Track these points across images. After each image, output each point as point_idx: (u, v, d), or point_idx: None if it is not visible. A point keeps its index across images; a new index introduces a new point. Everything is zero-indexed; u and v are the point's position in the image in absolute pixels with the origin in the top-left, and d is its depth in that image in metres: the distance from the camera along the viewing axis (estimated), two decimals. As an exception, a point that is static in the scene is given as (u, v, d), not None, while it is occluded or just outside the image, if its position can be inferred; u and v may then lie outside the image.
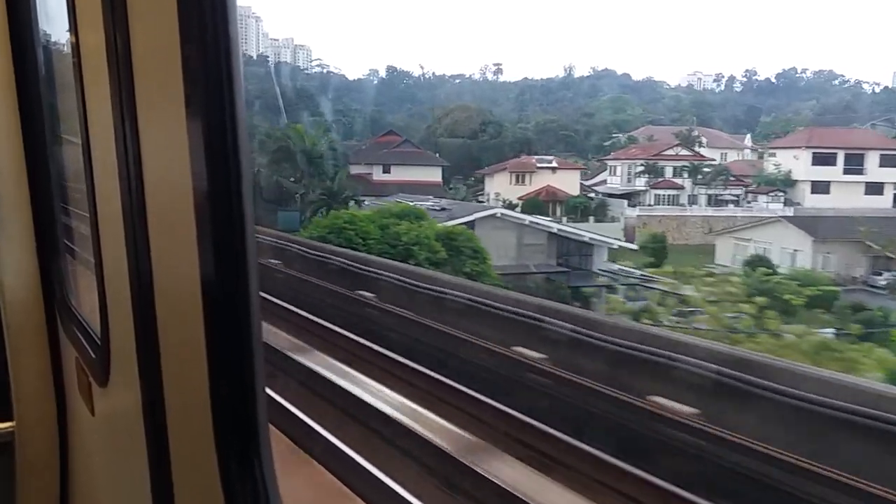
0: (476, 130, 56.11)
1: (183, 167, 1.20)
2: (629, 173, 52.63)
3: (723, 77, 72.26)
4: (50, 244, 2.85)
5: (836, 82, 69.82)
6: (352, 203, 37.17)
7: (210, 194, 1.19)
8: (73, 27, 1.88)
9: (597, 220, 44.73)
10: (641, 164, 52.09)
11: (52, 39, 2.67)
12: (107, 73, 1.50)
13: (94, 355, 2.13)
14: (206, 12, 1.16)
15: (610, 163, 54.86)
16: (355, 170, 46.08)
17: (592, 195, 50.12)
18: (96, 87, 1.65)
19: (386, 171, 49.15)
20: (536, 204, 45.17)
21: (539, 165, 49.69)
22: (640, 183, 51.60)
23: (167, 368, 1.45)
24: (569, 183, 48.94)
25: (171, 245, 1.39)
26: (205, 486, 1.31)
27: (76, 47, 1.86)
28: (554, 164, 50.24)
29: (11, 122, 2.77)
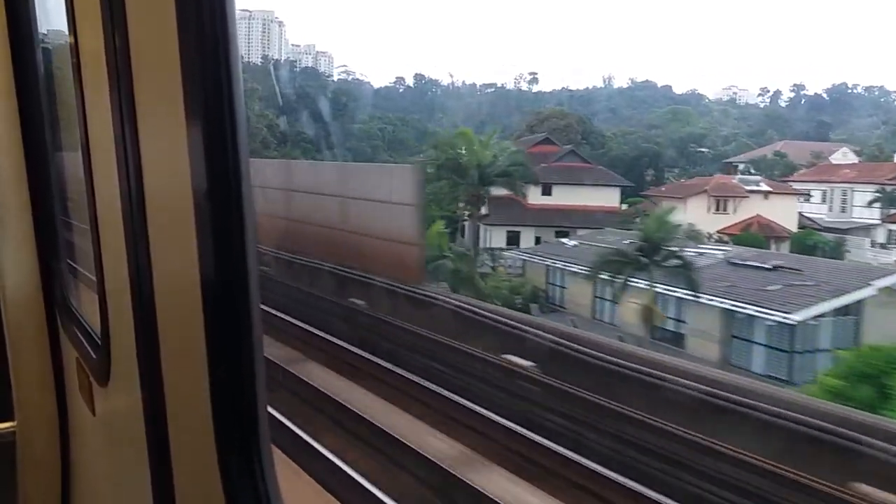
0: (577, 141, 47.02)
1: (183, 168, 1.21)
2: (843, 200, 40.68)
3: (767, 91, 69.77)
4: (50, 245, 2.86)
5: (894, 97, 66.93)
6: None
7: (210, 195, 1.19)
8: (73, 30, 1.88)
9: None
10: (869, 189, 39.27)
11: (52, 43, 2.70)
12: (106, 76, 1.51)
13: (94, 355, 2.14)
14: (204, 14, 1.16)
15: (797, 185, 41.78)
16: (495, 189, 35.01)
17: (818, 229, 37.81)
18: (95, 90, 1.66)
19: (546, 192, 38.19)
20: (754, 240, 32.97)
21: (747, 188, 38.30)
22: (862, 212, 39.02)
23: (167, 368, 1.46)
24: (783, 212, 37.11)
25: (171, 245, 1.40)
26: (205, 484, 1.32)
27: (75, 50, 1.87)
28: (765, 187, 38.73)
29: (12, 124, 2.78)
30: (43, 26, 2.68)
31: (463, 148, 33.78)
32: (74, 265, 2.76)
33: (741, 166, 46.71)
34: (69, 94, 2.05)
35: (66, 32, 1.95)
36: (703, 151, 50.60)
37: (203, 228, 1.22)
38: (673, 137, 52.16)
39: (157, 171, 1.39)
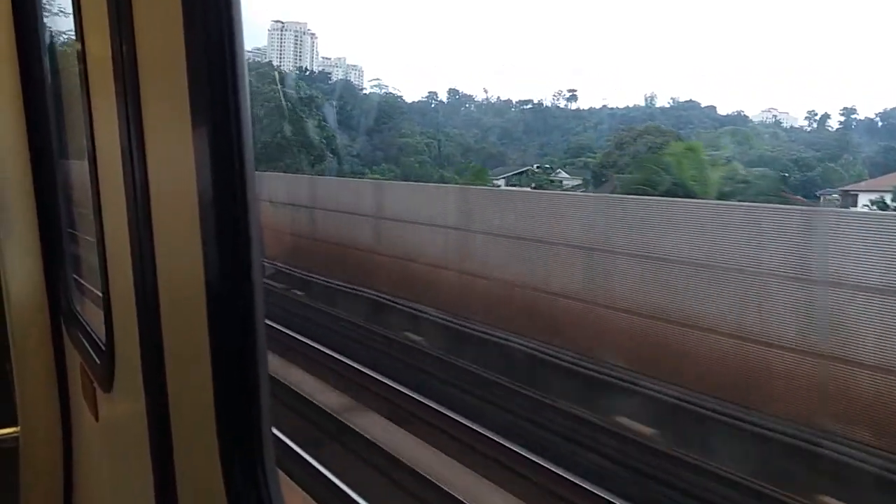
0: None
1: (188, 176, 1.21)
2: None
3: (815, 115, 66.85)
4: (55, 251, 2.87)
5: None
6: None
7: (215, 203, 1.19)
8: (80, 36, 1.89)
9: None
10: None
11: (59, 48, 2.72)
12: (113, 83, 1.51)
13: (98, 361, 2.14)
14: (211, 21, 1.16)
15: None
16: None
17: None
18: (102, 96, 1.67)
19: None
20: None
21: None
22: None
23: (171, 374, 1.46)
24: None
25: (176, 253, 1.40)
26: (209, 492, 1.32)
27: (82, 56, 1.88)
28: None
29: (18, 131, 2.80)
30: (50, 33, 2.71)
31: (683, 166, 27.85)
32: (79, 272, 2.78)
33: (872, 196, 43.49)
34: (76, 101, 2.06)
35: (74, 39, 1.96)
36: (785, 176, 48.82)
37: (208, 236, 1.22)
38: (743, 161, 49.70)
39: (163, 179, 1.39)
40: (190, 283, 1.28)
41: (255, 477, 1.29)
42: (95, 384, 2.20)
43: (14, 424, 2.92)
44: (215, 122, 1.18)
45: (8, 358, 2.93)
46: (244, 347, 1.26)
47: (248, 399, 1.27)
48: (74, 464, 2.90)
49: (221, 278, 1.23)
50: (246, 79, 1.18)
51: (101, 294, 1.95)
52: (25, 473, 2.95)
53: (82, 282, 2.75)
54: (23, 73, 2.77)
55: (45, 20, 2.70)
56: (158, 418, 1.49)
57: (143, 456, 1.58)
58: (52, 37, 2.72)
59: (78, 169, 2.41)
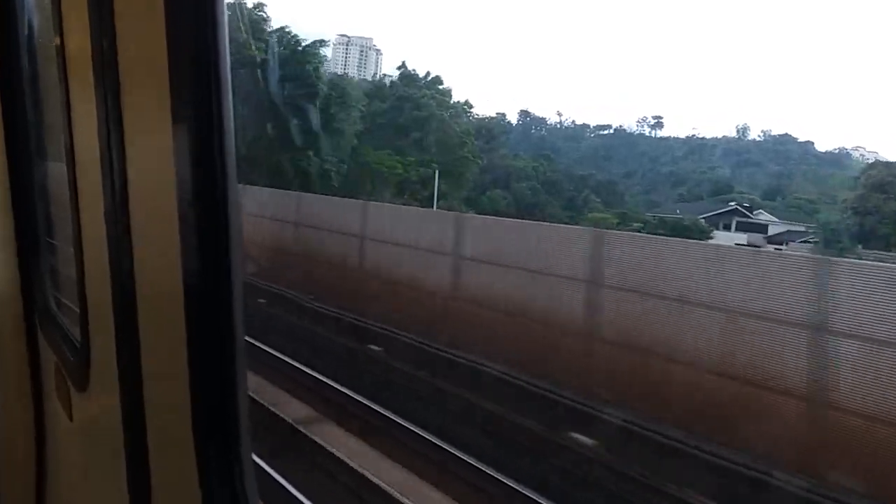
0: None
1: (168, 174, 1.20)
2: None
3: None
4: (31, 249, 2.84)
5: None
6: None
7: (195, 200, 1.18)
8: (59, 31, 1.87)
9: None
10: None
11: (38, 44, 2.70)
12: (92, 79, 1.50)
13: (73, 360, 2.12)
14: (193, 17, 1.15)
15: None
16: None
17: None
18: (81, 92, 1.66)
19: None
20: None
21: None
22: None
23: (147, 373, 1.45)
24: None
25: (154, 251, 1.39)
26: (184, 490, 1.31)
27: (61, 51, 1.86)
28: None
29: None
30: (28, 28, 2.70)
31: None
32: (55, 270, 2.74)
33: None
34: (55, 97, 2.04)
35: (53, 34, 1.94)
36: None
37: (187, 234, 1.21)
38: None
39: (142, 177, 1.38)
40: (168, 281, 1.27)
41: (230, 473, 1.28)
42: (70, 383, 2.17)
43: None
44: (197, 119, 1.16)
45: None
46: (221, 346, 1.25)
47: (224, 396, 1.27)
48: (48, 464, 2.86)
49: (200, 276, 1.22)
50: (228, 74, 1.16)
51: (76, 293, 1.92)
52: None
53: (59, 279, 2.71)
54: (1, 70, 2.75)
55: (24, 13, 2.69)
56: (134, 416, 1.49)
57: (117, 454, 1.57)
58: (30, 31, 2.71)
59: (56, 166, 2.38)
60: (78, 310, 1.93)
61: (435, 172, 33.19)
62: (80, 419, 2.21)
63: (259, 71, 28.49)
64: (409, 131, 34.44)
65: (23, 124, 2.79)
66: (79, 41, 1.58)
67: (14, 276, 2.86)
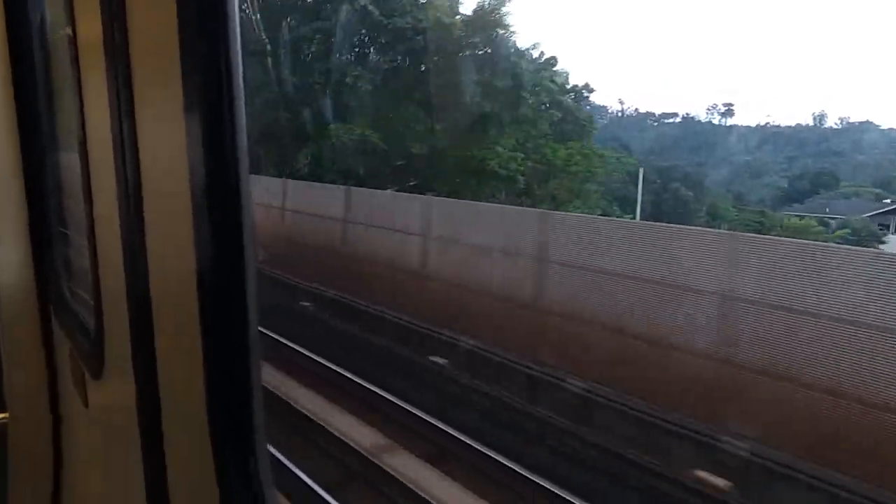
0: None
1: (180, 161, 1.21)
2: None
3: None
4: (45, 236, 2.86)
5: None
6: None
7: (207, 187, 1.19)
8: (70, 19, 1.87)
9: None
10: None
11: (50, 35, 2.69)
12: (104, 66, 1.50)
13: (87, 346, 2.13)
14: (204, 4, 1.15)
15: None
16: None
17: None
18: (93, 80, 1.66)
19: None
20: None
21: None
22: None
23: (162, 360, 1.46)
24: None
25: (168, 238, 1.40)
26: (199, 476, 1.32)
27: (73, 40, 1.86)
28: None
29: (8, 117, 2.80)
30: (41, 17, 2.69)
31: None
32: (69, 257, 2.76)
33: None
34: (67, 86, 2.04)
35: (65, 24, 1.94)
36: None
37: (200, 221, 1.21)
38: None
39: (155, 164, 1.39)
40: (181, 268, 1.28)
41: (245, 462, 1.29)
42: (85, 370, 2.19)
43: (3, 410, 2.94)
44: (208, 105, 1.17)
45: None
46: (235, 332, 1.25)
47: (239, 382, 1.27)
48: (64, 449, 2.90)
49: (213, 263, 1.22)
50: (240, 60, 1.16)
51: (90, 281, 1.93)
52: (14, 459, 2.96)
53: (72, 266, 2.72)
54: (13, 59, 2.76)
55: (36, 4, 2.69)
56: (148, 405, 1.50)
57: (133, 442, 1.58)
58: (42, 21, 2.70)
59: (68, 155, 2.38)
60: (92, 298, 1.94)
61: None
62: (95, 406, 2.23)
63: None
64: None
65: (35, 115, 2.80)
66: (90, 30, 1.58)
67: (28, 264, 2.89)
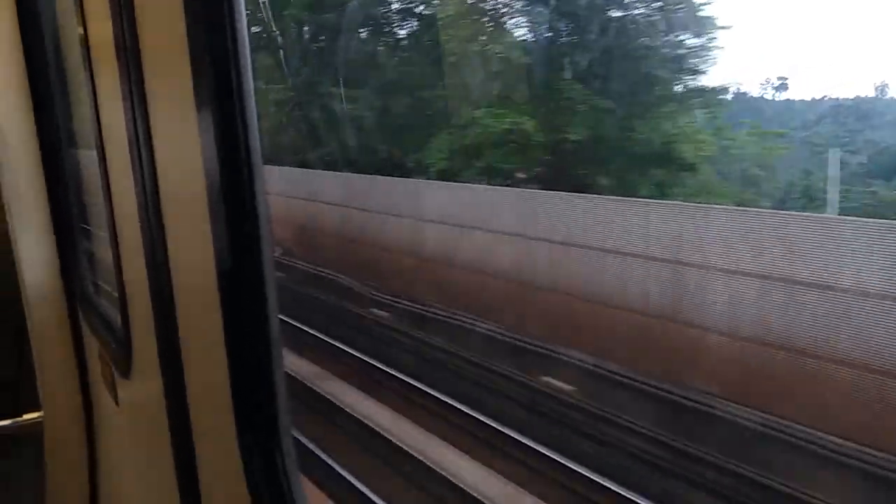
0: None
1: (195, 158, 1.21)
2: None
3: None
4: (68, 237, 2.89)
5: None
6: None
7: (222, 184, 1.19)
8: (82, 20, 1.89)
9: None
10: None
11: (63, 34, 2.72)
12: (116, 66, 1.51)
13: (115, 347, 2.16)
14: (212, 3, 1.15)
15: None
16: None
17: None
18: (106, 80, 1.68)
19: None
20: None
21: None
22: None
23: (187, 358, 1.48)
24: None
25: (187, 236, 1.40)
26: (228, 472, 1.34)
27: (85, 40, 1.88)
28: None
29: (26, 118, 2.82)
30: (53, 19, 2.72)
31: None
32: (93, 258, 2.79)
33: None
34: (81, 87, 2.07)
35: (76, 22, 1.95)
36: None
37: (217, 216, 1.22)
38: None
39: (171, 164, 1.40)
40: (201, 265, 1.29)
41: (272, 457, 1.30)
42: (114, 369, 2.21)
43: (37, 409, 2.99)
44: (219, 102, 1.17)
45: (28, 344, 2.98)
46: (257, 328, 1.26)
47: (263, 381, 1.28)
48: (97, 447, 2.95)
49: (232, 259, 1.23)
50: (248, 56, 1.16)
51: (115, 280, 1.95)
52: (50, 457, 3.01)
53: (97, 267, 2.76)
54: (28, 60, 2.79)
55: (49, 3, 2.71)
56: (176, 403, 1.52)
57: (163, 440, 1.60)
58: (55, 20, 2.73)
59: (87, 155, 2.42)
60: (117, 299, 1.96)
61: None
62: (125, 403, 2.26)
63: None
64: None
65: (53, 114, 2.82)
66: (101, 28, 1.59)
67: (54, 264, 2.92)
